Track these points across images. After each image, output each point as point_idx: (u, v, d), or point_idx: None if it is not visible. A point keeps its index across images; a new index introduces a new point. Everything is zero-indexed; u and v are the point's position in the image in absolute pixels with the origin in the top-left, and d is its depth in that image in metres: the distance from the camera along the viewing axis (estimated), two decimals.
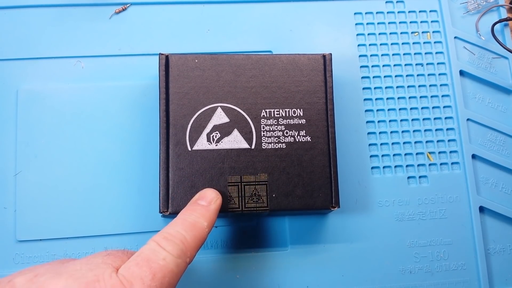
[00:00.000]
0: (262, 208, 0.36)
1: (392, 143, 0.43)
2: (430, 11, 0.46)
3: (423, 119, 0.43)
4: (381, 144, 0.43)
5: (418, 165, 0.42)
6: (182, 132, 0.37)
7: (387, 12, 0.45)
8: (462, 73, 0.44)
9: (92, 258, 0.29)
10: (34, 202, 0.39)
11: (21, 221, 0.39)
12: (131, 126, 0.41)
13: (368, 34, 0.45)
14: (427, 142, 0.43)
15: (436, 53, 0.45)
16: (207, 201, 0.34)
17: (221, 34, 0.44)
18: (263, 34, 0.44)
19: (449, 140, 0.43)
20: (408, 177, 0.42)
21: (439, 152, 0.43)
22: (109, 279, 0.26)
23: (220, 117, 0.37)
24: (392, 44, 0.45)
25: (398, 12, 0.45)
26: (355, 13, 0.45)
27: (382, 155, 0.42)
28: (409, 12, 0.46)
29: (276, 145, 0.37)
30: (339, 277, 0.40)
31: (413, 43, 0.45)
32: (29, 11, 0.43)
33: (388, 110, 0.43)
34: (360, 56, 0.44)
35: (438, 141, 0.43)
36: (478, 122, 0.44)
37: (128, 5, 0.43)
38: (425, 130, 0.43)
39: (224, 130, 0.37)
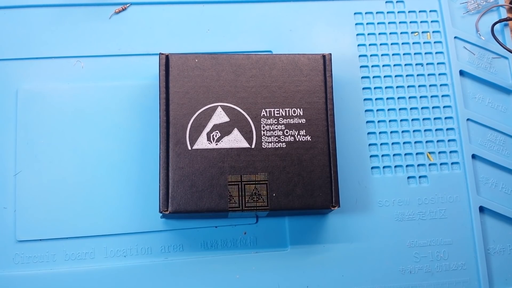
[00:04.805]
0: (262, 207, 0.36)
1: (392, 143, 0.43)
2: (430, 11, 0.46)
3: (423, 119, 0.43)
4: (381, 144, 0.43)
5: (418, 165, 0.42)
6: (182, 131, 0.37)
7: (387, 12, 0.45)
8: (462, 73, 0.44)
9: None
10: (34, 202, 0.39)
11: (21, 221, 0.39)
12: (131, 126, 0.41)
13: (368, 34, 0.45)
14: (427, 142, 0.43)
15: (436, 53, 0.45)
16: None
17: (221, 34, 0.44)
18: (263, 34, 0.44)
19: (449, 140, 0.43)
20: (408, 177, 0.42)
21: (439, 152, 0.43)
22: None
23: (220, 117, 0.37)
24: (392, 44, 0.45)
25: (398, 12, 0.45)
26: (355, 13, 0.45)
27: (382, 155, 0.42)
28: (409, 12, 0.46)
29: (276, 145, 0.37)
30: (339, 277, 0.40)
31: (413, 43, 0.45)
32: (29, 11, 0.43)
33: (388, 110, 0.43)
34: (360, 56, 0.44)
35: (438, 141, 0.43)
36: (478, 122, 0.44)
37: (128, 5, 0.43)
38: (425, 130, 0.43)
39: (224, 130, 0.37)
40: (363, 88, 0.44)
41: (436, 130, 0.43)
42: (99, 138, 0.40)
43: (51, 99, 0.41)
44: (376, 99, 0.43)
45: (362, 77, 0.44)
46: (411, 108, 0.43)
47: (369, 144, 0.42)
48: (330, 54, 0.40)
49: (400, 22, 0.45)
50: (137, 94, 0.41)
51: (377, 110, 0.43)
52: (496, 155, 0.43)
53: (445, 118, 0.43)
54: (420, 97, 0.44)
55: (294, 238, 0.40)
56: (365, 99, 0.43)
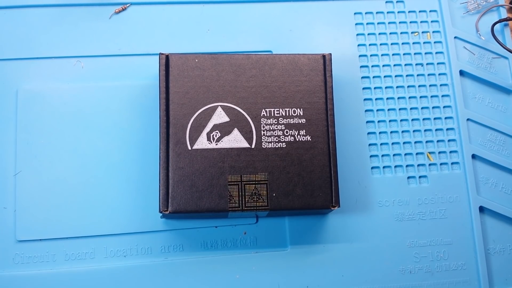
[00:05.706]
0: (262, 207, 0.36)
1: (392, 143, 0.43)
2: (430, 11, 0.46)
3: (423, 119, 0.43)
4: (381, 144, 0.43)
5: (418, 165, 0.42)
6: (182, 131, 0.37)
7: (387, 12, 0.45)
8: (462, 73, 0.44)
9: None
10: (34, 202, 0.39)
11: (21, 221, 0.39)
12: (131, 126, 0.41)
13: (368, 34, 0.45)
14: (427, 142, 0.43)
15: (436, 53, 0.45)
16: None
17: (221, 34, 0.44)
18: (263, 34, 0.44)
19: (449, 140, 0.43)
20: (408, 177, 0.42)
21: (439, 152, 0.43)
22: None
23: (220, 117, 0.37)
24: (392, 44, 0.45)
25: (398, 12, 0.45)
26: (355, 13, 0.45)
27: (382, 155, 0.42)
28: (409, 12, 0.46)
29: (276, 145, 0.37)
30: (339, 277, 0.40)
31: (413, 43, 0.45)
32: (29, 11, 0.43)
33: (388, 110, 0.43)
34: (360, 56, 0.44)
35: (438, 141, 0.43)
36: (478, 122, 0.44)
37: (128, 5, 0.43)
38: (425, 130, 0.43)
39: (224, 129, 0.37)
40: (363, 88, 0.44)
41: (436, 130, 0.43)
42: (99, 138, 0.40)
43: (51, 99, 0.41)
44: (376, 99, 0.43)
45: (362, 77, 0.44)
46: (411, 108, 0.43)
47: (369, 144, 0.42)
48: (330, 54, 0.40)
49: (400, 22, 0.45)
50: (137, 94, 0.41)
51: (377, 110, 0.43)
52: (496, 155, 0.43)
53: (445, 118, 0.43)
54: (420, 97, 0.44)
55: (294, 238, 0.40)
56: (365, 99, 0.43)
